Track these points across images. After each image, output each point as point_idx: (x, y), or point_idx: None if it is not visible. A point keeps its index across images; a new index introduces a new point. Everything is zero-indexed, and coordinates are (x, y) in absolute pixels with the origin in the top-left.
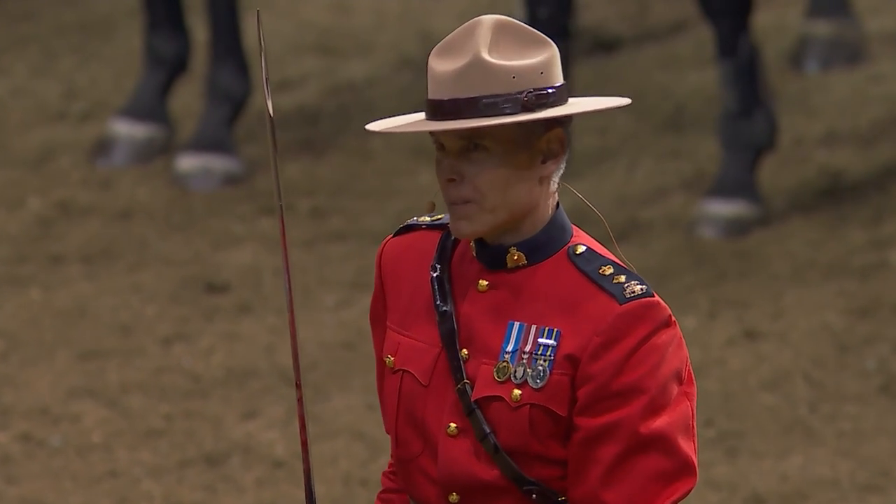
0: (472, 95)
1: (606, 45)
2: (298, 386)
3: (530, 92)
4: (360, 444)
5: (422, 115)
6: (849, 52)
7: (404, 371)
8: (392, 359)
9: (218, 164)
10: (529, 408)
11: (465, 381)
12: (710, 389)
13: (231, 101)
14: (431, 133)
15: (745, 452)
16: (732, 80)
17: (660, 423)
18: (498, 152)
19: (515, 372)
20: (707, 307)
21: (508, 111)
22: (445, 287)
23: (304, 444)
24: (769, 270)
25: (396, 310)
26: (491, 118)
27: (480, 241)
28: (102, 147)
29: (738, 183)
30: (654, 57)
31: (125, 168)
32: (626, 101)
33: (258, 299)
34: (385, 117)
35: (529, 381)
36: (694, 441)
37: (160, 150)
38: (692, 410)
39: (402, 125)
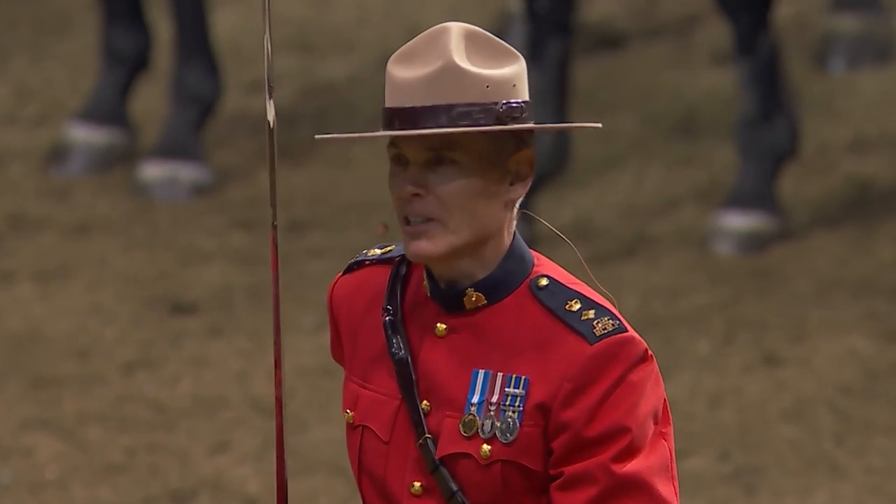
0: (444, 103)
1: (611, 42)
2: (278, 400)
3: (504, 103)
4: (341, 480)
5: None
6: (878, 50)
7: (364, 427)
8: (351, 413)
9: (185, 172)
10: (501, 465)
11: (427, 435)
12: (725, 421)
13: (199, 104)
14: (394, 143)
15: (764, 490)
16: (751, 80)
17: (636, 464)
18: (468, 167)
19: (483, 426)
20: (722, 330)
21: (483, 122)
22: (400, 332)
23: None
24: (790, 290)
25: (352, 357)
26: (468, 127)
27: (433, 280)
28: (57, 154)
29: (756, 194)
30: (664, 55)
31: (82, 177)
32: (597, 125)
33: (229, 321)
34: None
35: (499, 434)
36: (675, 485)
37: (121, 158)
38: (671, 452)
39: (363, 135)
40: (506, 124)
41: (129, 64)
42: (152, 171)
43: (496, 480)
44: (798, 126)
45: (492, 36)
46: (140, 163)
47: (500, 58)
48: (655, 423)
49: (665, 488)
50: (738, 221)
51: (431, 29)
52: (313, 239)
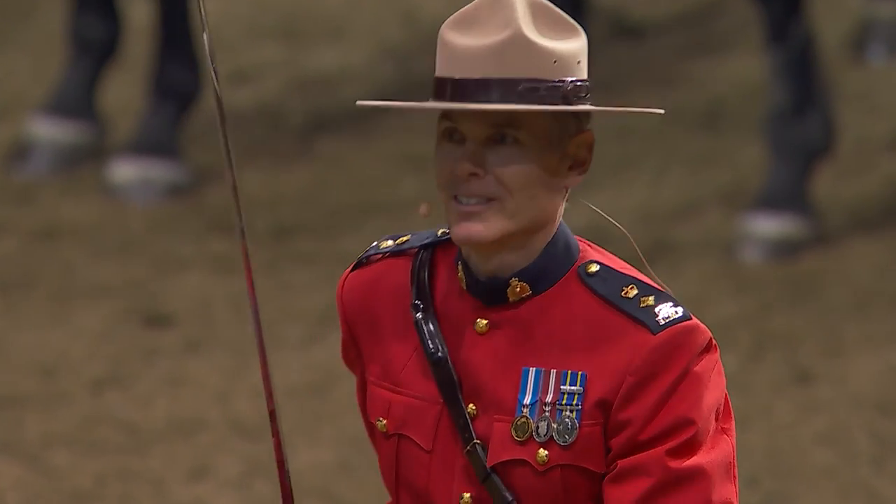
0: (511, 76)
1: (629, 30)
2: (272, 415)
3: (571, 81)
4: None
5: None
6: None
7: (400, 435)
8: (384, 422)
9: (160, 172)
10: (560, 470)
11: (476, 441)
12: (753, 444)
13: (178, 98)
14: (448, 117)
15: None
16: (782, 70)
17: (697, 459)
18: (531, 148)
19: (538, 428)
20: (750, 344)
21: (548, 100)
22: (435, 329)
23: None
24: (825, 300)
25: (377, 361)
26: (537, 105)
27: (469, 272)
28: (19, 152)
29: (787, 195)
30: (685, 43)
31: (47, 177)
32: (660, 110)
33: (208, 335)
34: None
35: (556, 437)
36: (735, 485)
37: (89, 156)
38: (733, 448)
39: (411, 104)
40: (572, 104)
41: (98, 52)
42: (124, 170)
43: (556, 488)
44: (833, 120)
45: (553, 6)
46: (111, 161)
47: (564, 31)
48: (717, 419)
49: (725, 488)
50: (767, 226)
51: None
52: (300, 245)
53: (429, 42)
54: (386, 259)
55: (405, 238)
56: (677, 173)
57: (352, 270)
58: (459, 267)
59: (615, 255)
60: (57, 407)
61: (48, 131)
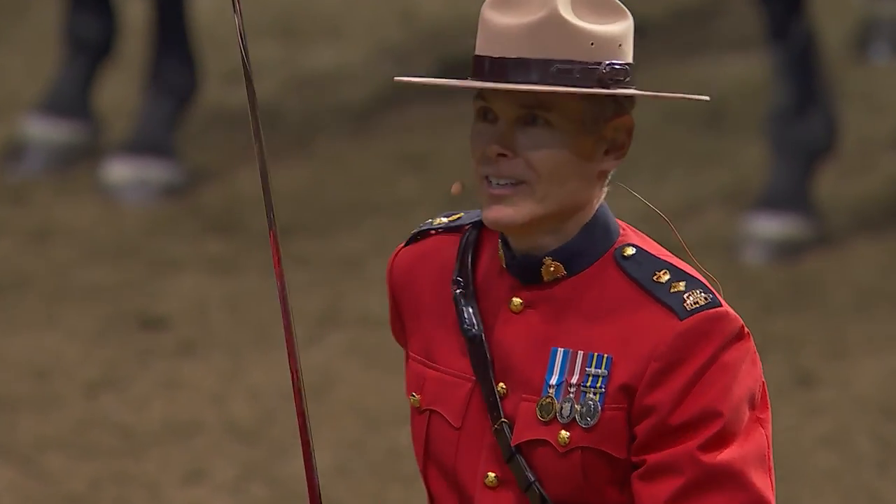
0: (543, 57)
1: None
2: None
3: (608, 64)
4: None
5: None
6: None
7: (432, 411)
8: (417, 397)
9: (155, 172)
10: (581, 452)
11: (503, 419)
12: None
13: (174, 98)
14: (482, 96)
15: None
16: (784, 69)
17: (729, 453)
18: (563, 130)
19: (562, 409)
20: None
21: (582, 82)
22: (472, 306)
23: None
24: (828, 302)
25: (417, 335)
26: (568, 87)
27: (509, 250)
28: (13, 151)
29: (789, 195)
30: (687, 42)
31: (41, 177)
32: (705, 97)
33: (203, 337)
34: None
35: (578, 419)
36: (770, 476)
37: (84, 156)
38: (768, 439)
39: (448, 81)
40: (608, 87)
41: (92, 51)
42: (119, 170)
43: (576, 470)
44: (835, 120)
45: None
46: (105, 161)
47: (608, 13)
48: (752, 409)
49: (761, 480)
50: (769, 226)
51: None
52: (297, 246)
53: (427, 41)
54: (437, 235)
55: (458, 215)
56: (678, 173)
57: (404, 245)
58: (500, 244)
59: (651, 239)
60: (50, 410)
61: (42, 131)
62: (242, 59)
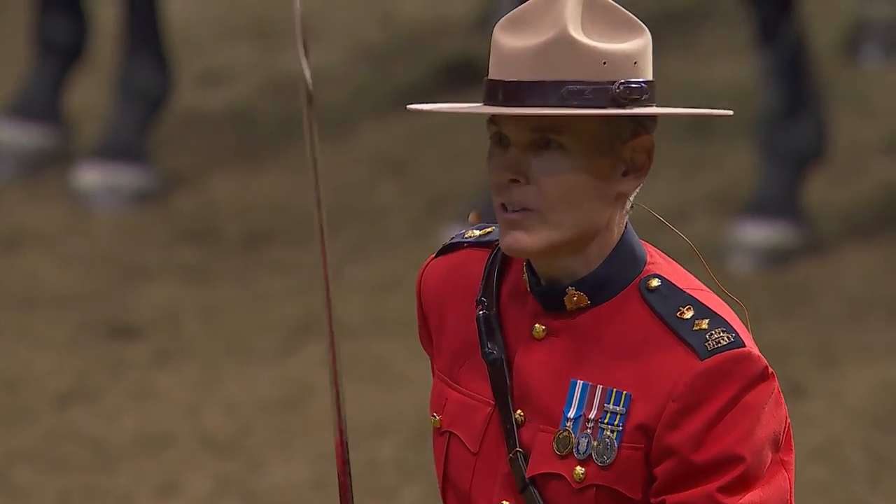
0: (553, 79)
1: None
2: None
3: (622, 83)
4: None
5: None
6: None
7: (451, 434)
8: (438, 418)
9: (127, 178)
10: (595, 490)
11: (518, 449)
12: None
13: (147, 100)
14: (494, 121)
15: None
16: (773, 73)
17: (751, 497)
18: (576, 153)
19: (578, 444)
20: None
21: (594, 103)
22: (494, 328)
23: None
24: (818, 310)
25: (443, 352)
26: (583, 109)
27: (533, 274)
28: None
29: (779, 201)
30: (674, 46)
31: (10, 182)
32: (728, 112)
33: (176, 347)
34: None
35: (595, 456)
36: None
37: (54, 161)
38: (791, 482)
39: (457, 106)
40: (623, 107)
41: (63, 54)
42: (90, 176)
43: None
44: (826, 124)
45: (615, 4)
46: (76, 166)
47: (622, 30)
48: (776, 451)
49: None
50: (758, 233)
51: None
52: (272, 253)
53: (407, 43)
54: (467, 249)
55: (489, 229)
56: (666, 178)
57: (435, 257)
58: (525, 267)
59: (679, 265)
60: (20, 422)
61: (12, 135)
62: (304, 78)
